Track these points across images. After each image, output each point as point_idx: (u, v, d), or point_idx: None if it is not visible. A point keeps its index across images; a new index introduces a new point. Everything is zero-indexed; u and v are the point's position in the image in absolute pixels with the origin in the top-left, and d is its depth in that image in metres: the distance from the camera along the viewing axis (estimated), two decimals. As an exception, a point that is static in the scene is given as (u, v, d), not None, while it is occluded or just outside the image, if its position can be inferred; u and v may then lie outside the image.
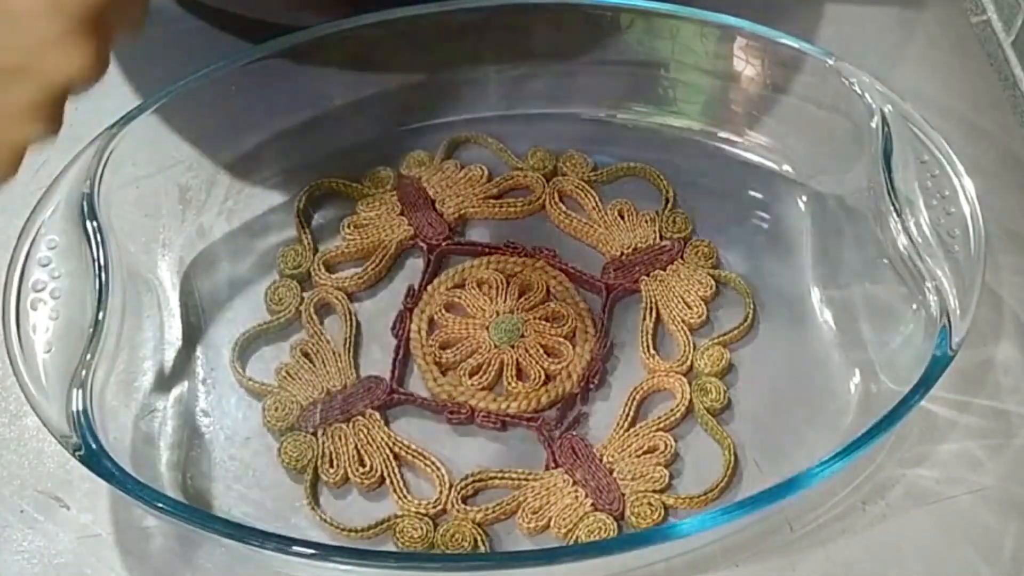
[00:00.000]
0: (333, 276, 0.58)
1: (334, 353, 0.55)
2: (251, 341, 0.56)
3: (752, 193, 0.61)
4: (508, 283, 0.57)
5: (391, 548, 0.50)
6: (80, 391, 0.47)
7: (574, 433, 0.53)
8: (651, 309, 0.56)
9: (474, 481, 0.51)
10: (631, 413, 0.53)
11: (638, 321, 0.56)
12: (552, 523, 0.50)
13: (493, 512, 0.50)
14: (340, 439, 0.52)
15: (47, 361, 0.47)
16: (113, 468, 0.45)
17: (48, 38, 0.32)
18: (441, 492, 0.51)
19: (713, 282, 0.57)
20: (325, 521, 0.50)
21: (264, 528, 0.46)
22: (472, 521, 0.50)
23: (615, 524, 0.50)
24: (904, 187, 0.54)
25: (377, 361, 0.55)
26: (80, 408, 0.46)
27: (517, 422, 0.53)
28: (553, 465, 0.52)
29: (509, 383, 0.54)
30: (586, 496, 0.50)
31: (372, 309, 0.57)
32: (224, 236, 0.60)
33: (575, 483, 0.51)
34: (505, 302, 0.56)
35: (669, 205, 0.60)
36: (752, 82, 0.62)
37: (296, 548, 0.45)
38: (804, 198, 0.61)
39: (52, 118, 0.35)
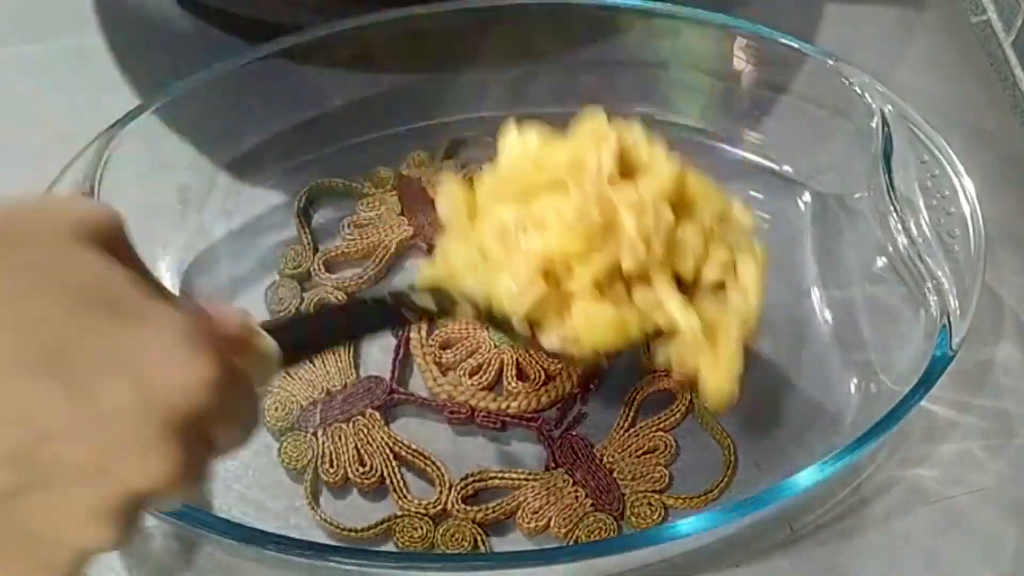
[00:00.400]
0: (333, 276, 0.58)
1: (334, 353, 0.55)
2: (251, 341, 0.56)
3: (752, 193, 0.61)
4: (508, 283, 0.57)
5: (391, 548, 0.50)
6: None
7: (574, 433, 0.53)
8: (651, 309, 0.56)
9: (474, 481, 0.51)
10: (631, 413, 0.53)
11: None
12: (552, 523, 0.50)
13: (493, 512, 0.50)
14: (340, 439, 0.52)
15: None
16: (113, 468, 0.45)
17: (133, 439, 0.28)
18: (441, 492, 0.51)
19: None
20: (325, 521, 0.50)
21: (264, 528, 0.46)
22: (472, 521, 0.50)
23: (615, 524, 0.50)
24: (904, 187, 0.54)
25: (377, 361, 0.55)
26: (80, 408, 0.46)
27: (517, 422, 0.53)
28: (553, 465, 0.52)
29: (509, 383, 0.54)
30: (586, 496, 0.50)
31: (372, 309, 0.57)
32: (224, 236, 0.60)
33: (575, 483, 0.51)
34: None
35: (669, 205, 0.60)
36: (752, 82, 0.62)
37: (296, 548, 0.45)
38: (804, 198, 0.61)
39: (121, 527, 0.29)
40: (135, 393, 0.28)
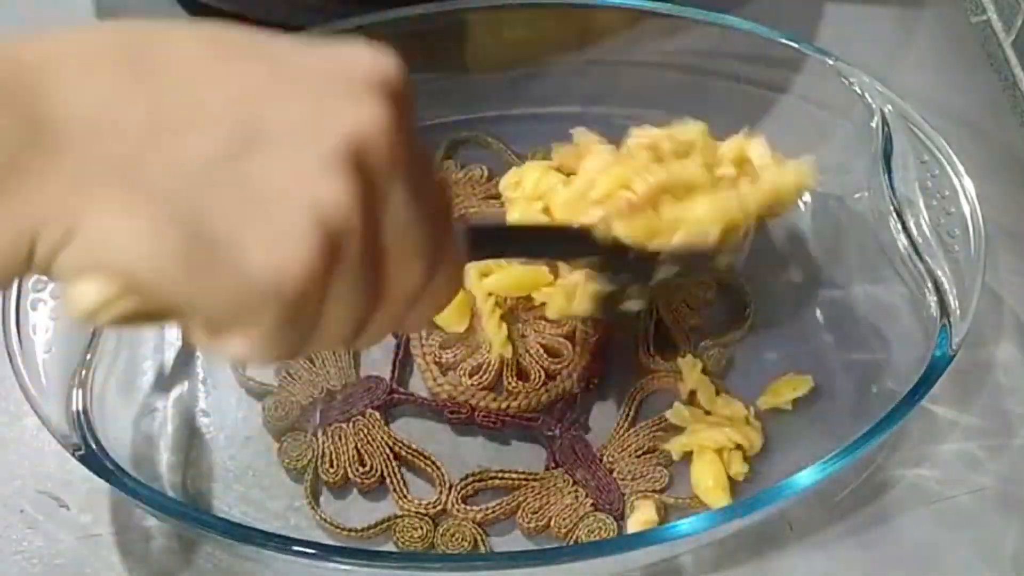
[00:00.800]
0: (333, 276, 0.58)
1: (334, 353, 0.55)
2: (251, 341, 0.56)
3: (752, 193, 0.61)
4: (508, 283, 0.57)
5: (391, 548, 0.50)
6: (80, 391, 0.47)
7: (574, 433, 0.53)
8: (651, 309, 0.56)
9: (474, 481, 0.51)
10: (631, 413, 0.53)
11: (638, 321, 0.56)
12: (552, 523, 0.50)
13: (493, 512, 0.50)
14: (340, 439, 0.52)
15: (47, 361, 0.47)
16: (113, 468, 0.45)
17: (336, 93, 0.31)
18: (441, 492, 0.51)
19: (713, 282, 0.57)
20: (325, 521, 0.50)
21: (264, 528, 0.46)
22: (472, 521, 0.50)
23: (615, 524, 0.50)
24: (904, 187, 0.54)
25: (377, 361, 0.55)
26: (80, 408, 0.46)
27: (517, 422, 0.53)
28: (553, 465, 0.52)
29: (509, 383, 0.54)
30: (586, 496, 0.50)
31: (372, 309, 0.57)
32: (224, 236, 0.60)
33: (575, 483, 0.51)
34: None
35: (669, 205, 0.60)
36: (752, 82, 0.62)
37: (296, 548, 0.45)
38: (804, 198, 0.61)
39: (348, 180, 0.30)
40: (332, 61, 0.31)
